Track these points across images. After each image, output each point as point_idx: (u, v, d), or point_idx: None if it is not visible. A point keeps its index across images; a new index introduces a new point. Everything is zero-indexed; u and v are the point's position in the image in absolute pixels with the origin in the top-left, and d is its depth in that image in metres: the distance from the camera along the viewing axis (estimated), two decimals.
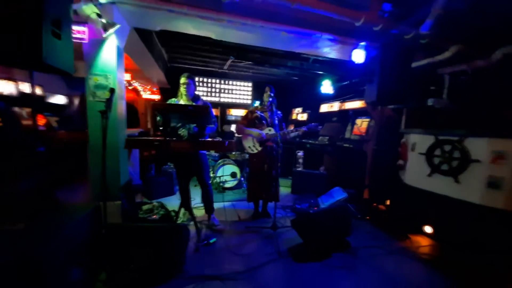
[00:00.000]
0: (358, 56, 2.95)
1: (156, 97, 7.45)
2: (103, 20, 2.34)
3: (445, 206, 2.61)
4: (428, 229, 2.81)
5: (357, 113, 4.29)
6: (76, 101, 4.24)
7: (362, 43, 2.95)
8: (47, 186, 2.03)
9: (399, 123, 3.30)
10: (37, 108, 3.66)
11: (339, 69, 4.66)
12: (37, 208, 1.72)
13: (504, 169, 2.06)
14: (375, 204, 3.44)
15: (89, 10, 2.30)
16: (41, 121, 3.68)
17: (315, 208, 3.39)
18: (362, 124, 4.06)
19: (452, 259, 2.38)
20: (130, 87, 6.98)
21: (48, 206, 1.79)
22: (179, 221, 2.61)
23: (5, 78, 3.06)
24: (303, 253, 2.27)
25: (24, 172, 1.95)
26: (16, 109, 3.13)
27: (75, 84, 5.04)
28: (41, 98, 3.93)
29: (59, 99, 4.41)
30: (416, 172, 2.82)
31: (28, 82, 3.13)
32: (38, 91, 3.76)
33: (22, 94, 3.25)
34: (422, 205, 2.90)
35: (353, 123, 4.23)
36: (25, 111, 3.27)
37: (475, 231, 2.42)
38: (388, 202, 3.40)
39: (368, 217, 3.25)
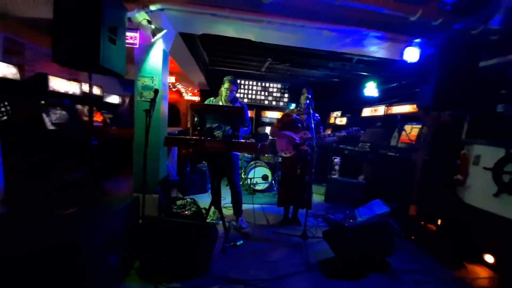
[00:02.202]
0: (412, 54, 2.63)
1: (197, 98, 7.88)
2: (152, 26, 2.53)
3: None
4: (489, 258, 2.36)
5: (406, 118, 3.84)
6: (127, 101, 4.71)
7: (417, 40, 2.63)
8: (97, 176, 2.26)
9: (458, 132, 2.85)
10: (96, 106, 4.16)
11: (387, 70, 4.27)
12: (86, 195, 1.92)
13: None
14: (423, 223, 3.02)
15: (141, 17, 2.51)
16: (99, 118, 4.17)
17: (351, 221, 3.14)
18: (412, 130, 3.63)
19: None
20: (174, 89, 7.52)
21: (96, 195, 1.99)
22: (208, 219, 2.67)
23: (71, 79, 3.55)
24: (334, 269, 2.09)
25: (79, 163, 2.21)
26: (79, 106, 3.61)
27: (127, 85, 5.63)
28: (100, 98, 4.45)
29: (114, 99, 4.95)
30: (478, 190, 2.40)
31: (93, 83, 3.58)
32: (97, 91, 4.27)
33: (84, 94, 3.73)
34: (483, 229, 2.44)
35: (401, 130, 3.80)
36: (86, 109, 3.75)
37: None
38: (439, 222, 2.95)
39: (413, 237, 2.87)
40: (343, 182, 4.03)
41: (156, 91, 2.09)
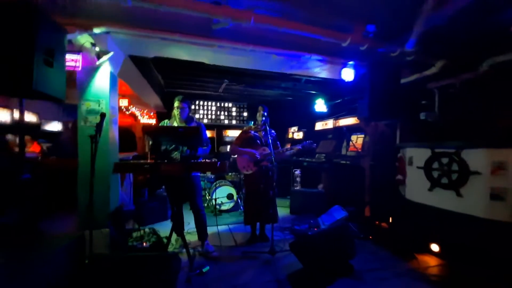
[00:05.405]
0: (347, 74, 3.02)
1: (153, 121, 7.53)
2: (97, 49, 2.42)
3: (449, 221, 2.49)
4: (434, 247, 2.66)
5: (351, 129, 4.30)
6: (69, 128, 4.26)
7: (350, 62, 3.04)
8: (30, 216, 1.93)
9: (394, 138, 3.29)
10: (32, 135, 3.65)
11: (331, 88, 4.76)
12: (17, 241, 1.62)
13: (506, 180, 1.99)
14: (377, 222, 3.29)
15: (84, 39, 2.39)
16: (36, 148, 3.65)
17: (315, 229, 3.24)
18: (357, 140, 4.05)
19: (463, 278, 2.22)
20: (127, 112, 7.08)
21: (29, 238, 1.69)
22: (170, 248, 2.47)
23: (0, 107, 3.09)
24: (304, 281, 2.11)
25: (7, 202, 1.87)
26: (9, 137, 3.13)
27: (71, 110, 5.11)
28: (37, 126, 3.94)
29: (54, 126, 4.43)
30: (416, 187, 2.75)
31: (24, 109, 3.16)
32: (33, 118, 3.79)
33: (16, 122, 3.26)
34: (426, 221, 2.77)
35: (348, 140, 4.22)
36: (18, 139, 3.26)
37: (482, 246, 2.29)
38: (390, 220, 3.26)
39: (370, 237, 3.10)
40: (305, 193, 4.20)
41: (103, 115, 1.96)
